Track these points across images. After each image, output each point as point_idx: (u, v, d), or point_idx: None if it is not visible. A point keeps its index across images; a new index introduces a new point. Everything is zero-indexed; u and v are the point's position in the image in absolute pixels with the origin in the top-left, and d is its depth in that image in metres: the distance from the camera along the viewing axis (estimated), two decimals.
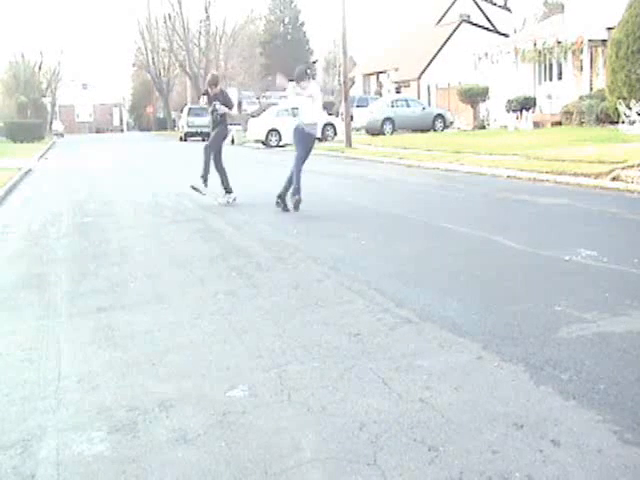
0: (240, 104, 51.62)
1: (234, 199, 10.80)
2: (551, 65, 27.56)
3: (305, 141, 9.84)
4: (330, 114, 34.94)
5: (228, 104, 10.89)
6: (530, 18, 54.66)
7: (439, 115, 30.42)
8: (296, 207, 9.43)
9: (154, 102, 70.02)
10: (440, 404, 3.19)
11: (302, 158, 9.76)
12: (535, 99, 27.51)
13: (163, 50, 59.17)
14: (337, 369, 3.68)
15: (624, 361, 3.58)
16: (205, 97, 10.96)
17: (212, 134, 11.08)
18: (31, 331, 4.72)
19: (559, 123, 24.28)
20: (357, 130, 29.32)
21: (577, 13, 24.86)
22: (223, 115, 10.87)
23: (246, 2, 77.08)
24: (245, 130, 31.07)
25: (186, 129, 37.99)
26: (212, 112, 10.86)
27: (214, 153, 10.86)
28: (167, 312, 4.98)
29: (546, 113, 26.23)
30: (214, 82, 10.88)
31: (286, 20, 64.94)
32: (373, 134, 28.69)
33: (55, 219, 10.10)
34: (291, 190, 9.59)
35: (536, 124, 25.50)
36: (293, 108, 29.71)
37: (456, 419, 3.03)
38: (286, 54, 61.59)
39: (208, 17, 53.56)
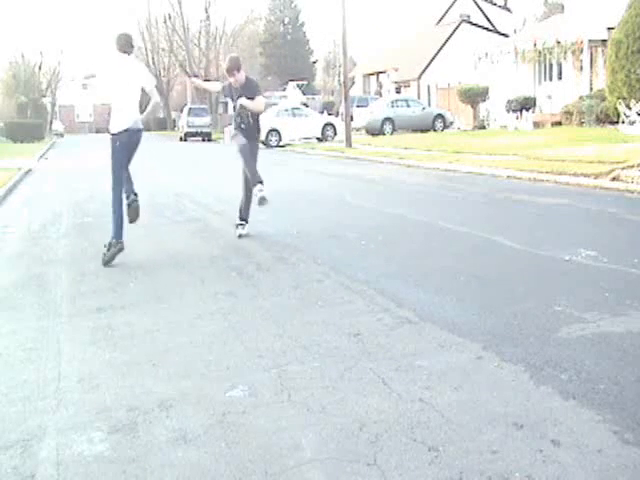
0: None
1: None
2: (551, 65, 27.55)
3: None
4: (330, 114, 34.99)
5: (255, 96, 7.48)
6: (530, 18, 54.72)
7: (439, 115, 30.41)
8: None
9: None
10: (440, 404, 3.19)
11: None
12: (535, 99, 27.50)
13: (163, 50, 59.14)
14: (337, 369, 3.68)
15: (624, 361, 3.58)
16: (227, 91, 7.73)
17: (247, 149, 7.65)
18: (31, 331, 4.72)
19: (559, 123, 24.28)
20: (357, 130, 29.33)
21: (577, 13, 24.85)
22: (255, 118, 7.64)
23: (246, 2, 77.18)
24: None
25: (186, 129, 38.09)
26: (239, 114, 7.57)
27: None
28: (167, 312, 4.98)
29: (546, 113, 26.22)
30: (236, 66, 7.47)
31: (286, 20, 64.93)
32: (373, 134, 28.69)
33: (55, 219, 10.10)
34: None
35: (536, 124, 25.49)
36: (293, 108, 30.05)
37: (456, 419, 3.03)
38: (286, 54, 61.63)
39: (208, 17, 53.50)
